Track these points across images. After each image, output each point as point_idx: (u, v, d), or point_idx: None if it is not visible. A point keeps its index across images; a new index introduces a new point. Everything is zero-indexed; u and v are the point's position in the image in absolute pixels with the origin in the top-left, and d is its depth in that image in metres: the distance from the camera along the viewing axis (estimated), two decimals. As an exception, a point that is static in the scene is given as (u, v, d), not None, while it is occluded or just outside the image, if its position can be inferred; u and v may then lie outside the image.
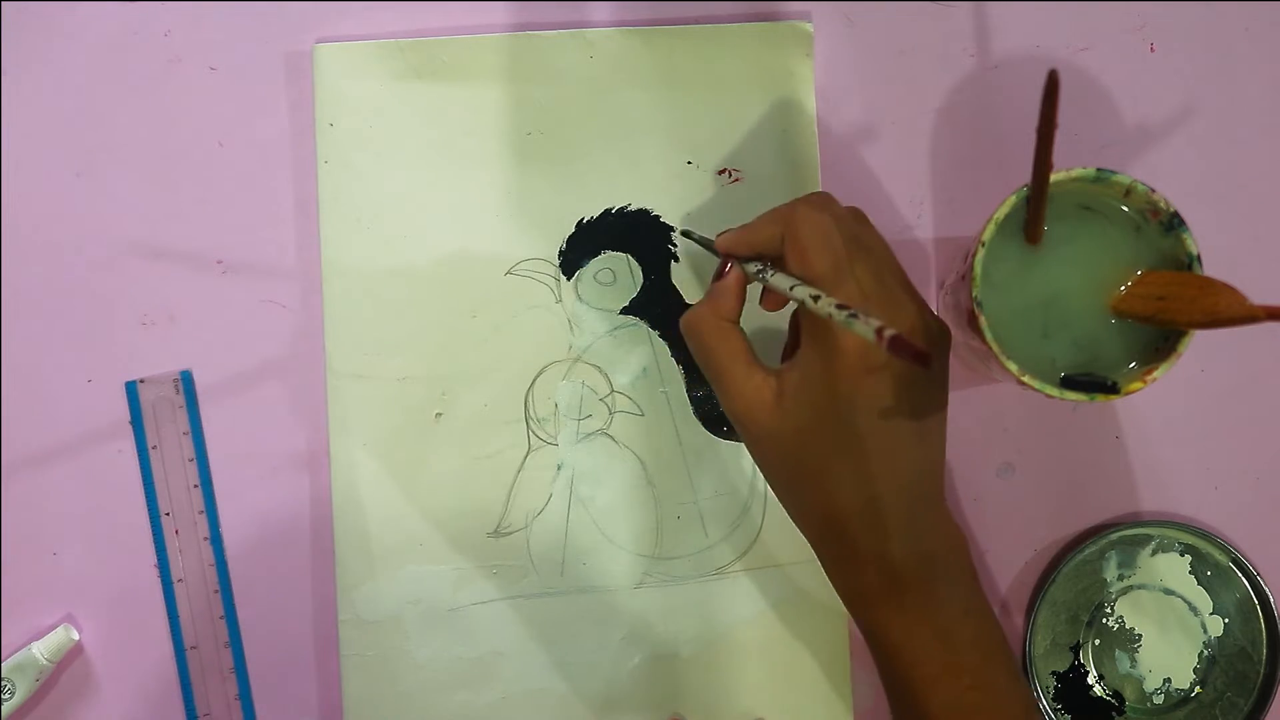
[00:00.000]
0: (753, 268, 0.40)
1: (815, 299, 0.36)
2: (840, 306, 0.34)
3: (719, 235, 0.42)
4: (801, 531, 0.40)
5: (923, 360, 0.30)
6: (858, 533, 0.37)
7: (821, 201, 0.39)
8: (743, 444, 0.49)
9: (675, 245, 0.49)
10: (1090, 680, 0.49)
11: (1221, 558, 0.49)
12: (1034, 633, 0.48)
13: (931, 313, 0.39)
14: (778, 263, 0.40)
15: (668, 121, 0.49)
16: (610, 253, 0.49)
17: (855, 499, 0.37)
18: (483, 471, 0.49)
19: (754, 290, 0.43)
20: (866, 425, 0.36)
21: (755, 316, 0.44)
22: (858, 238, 0.38)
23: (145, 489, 0.49)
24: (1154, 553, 0.49)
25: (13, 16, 0.49)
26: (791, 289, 0.37)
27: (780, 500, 0.40)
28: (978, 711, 0.38)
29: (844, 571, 0.39)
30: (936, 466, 0.39)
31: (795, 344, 0.43)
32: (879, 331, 0.31)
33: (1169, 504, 0.50)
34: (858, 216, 0.40)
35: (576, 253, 0.49)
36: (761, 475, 0.49)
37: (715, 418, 0.49)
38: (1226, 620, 0.49)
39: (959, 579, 0.39)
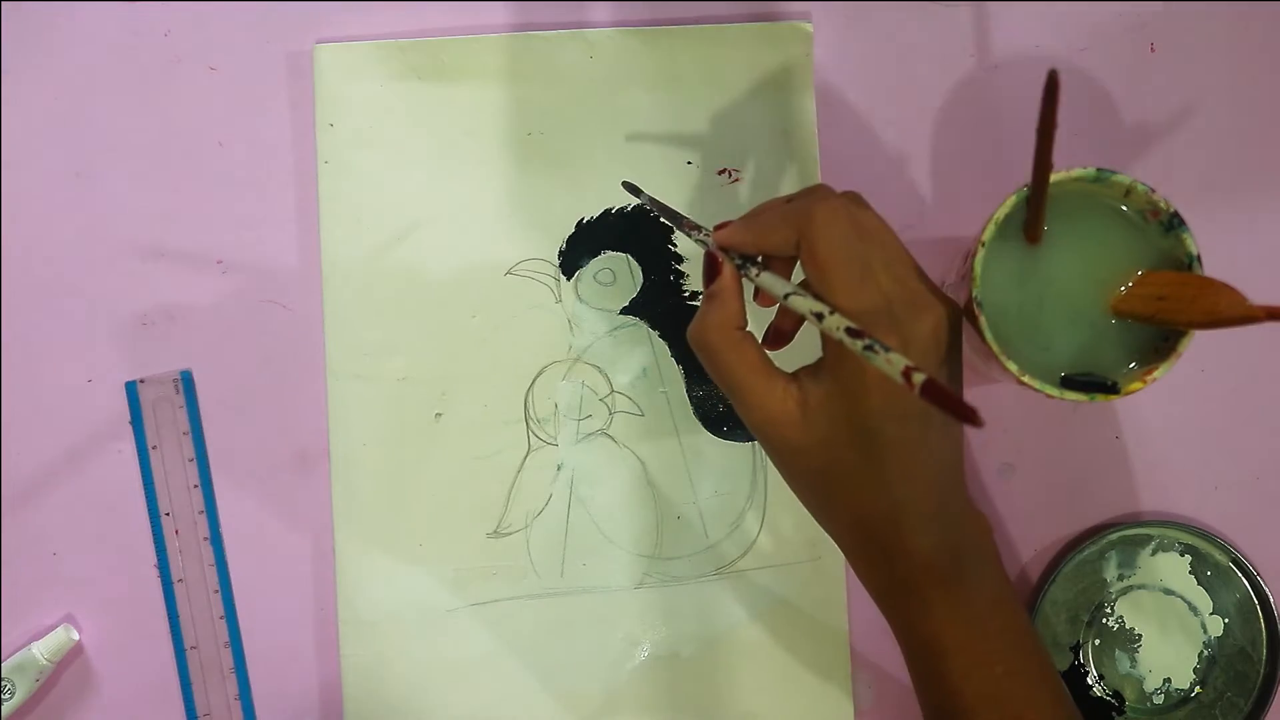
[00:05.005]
0: (739, 261, 0.38)
1: (820, 317, 0.33)
2: (853, 333, 0.32)
3: (715, 228, 0.39)
4: (829, 534, 0.40)
5: (967, 417, 0.27)
6: (887, 532, 0.37)
7: (835, 203, 0.37)
8: (742, 444, 0.49)
9: (675, 245, 0.49)
10: (1090, 680, 0.49)
11: (1221, 558, 0.49)
12: (1034, 633, 0.48)
13: (948, 300, 0.37)
14: (772, 262, 0.38)
15: (668, 121, 0.49)
16: (610, 253, 0.49)
17: (884, 501, 0.36)
18: (482, 471, 0.49)
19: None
20: (895, 433, 0.35)
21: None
22: (870, 233, 0.36)
23: (145, 489, 0.49)
24: (1154, 553, 0.49)
25: (13, 16, 0.49)
26: (786, 296, 0.35)
27: (806, 506, 0.39)
28: (1012, 699, 0.37)
29: (874, 570, 0.39)
30: (959, 457, 0.38)
31: (790, 325, 0.42)
32: (906, 374, 0.29)
33: (1169, 504, 0.50)
34: (858, 202, 0.38)
35: (576, 253, 0.49)
36: (761, 474, 0.49)
37: (715, 418, 0.49)
38: (1226, 620, 0.49)
39: (986, 568, 0.38)
